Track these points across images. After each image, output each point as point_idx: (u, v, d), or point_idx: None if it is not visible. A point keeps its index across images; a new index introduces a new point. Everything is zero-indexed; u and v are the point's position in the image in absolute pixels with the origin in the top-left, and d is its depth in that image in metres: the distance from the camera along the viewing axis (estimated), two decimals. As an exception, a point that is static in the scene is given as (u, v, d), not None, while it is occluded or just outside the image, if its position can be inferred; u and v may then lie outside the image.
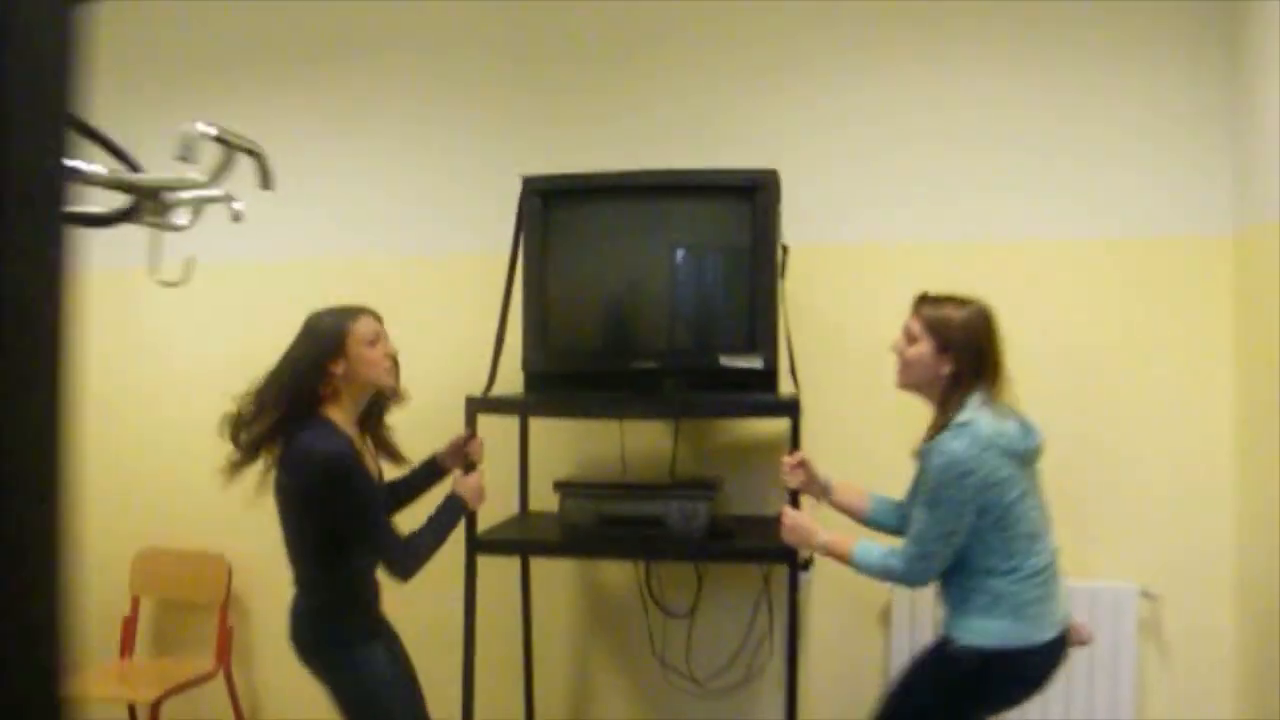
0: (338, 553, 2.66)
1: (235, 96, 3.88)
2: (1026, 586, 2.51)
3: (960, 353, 2.52)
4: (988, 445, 2.45)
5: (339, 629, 2.71)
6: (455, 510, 2.86)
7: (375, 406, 2.82)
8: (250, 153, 1.78)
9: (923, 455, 2.56)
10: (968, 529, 2.48)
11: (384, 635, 2.81)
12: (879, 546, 2.63)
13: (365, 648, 2.71)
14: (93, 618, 3.88)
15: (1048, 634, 2.54)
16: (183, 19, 3.99)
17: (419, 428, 3.01)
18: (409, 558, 2.68)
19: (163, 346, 4.04)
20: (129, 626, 3.91)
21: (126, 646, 3.90)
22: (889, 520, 2.88)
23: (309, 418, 2.61)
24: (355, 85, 3.88)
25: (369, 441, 2.84)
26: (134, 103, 3.72)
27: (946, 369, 2.54)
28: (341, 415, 2.67)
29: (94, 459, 3.93)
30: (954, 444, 2.45)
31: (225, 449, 2.63)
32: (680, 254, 3.19)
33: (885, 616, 3.43)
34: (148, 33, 3.97)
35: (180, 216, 2.03)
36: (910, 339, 2.60)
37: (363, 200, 3.88)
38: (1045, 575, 2.54)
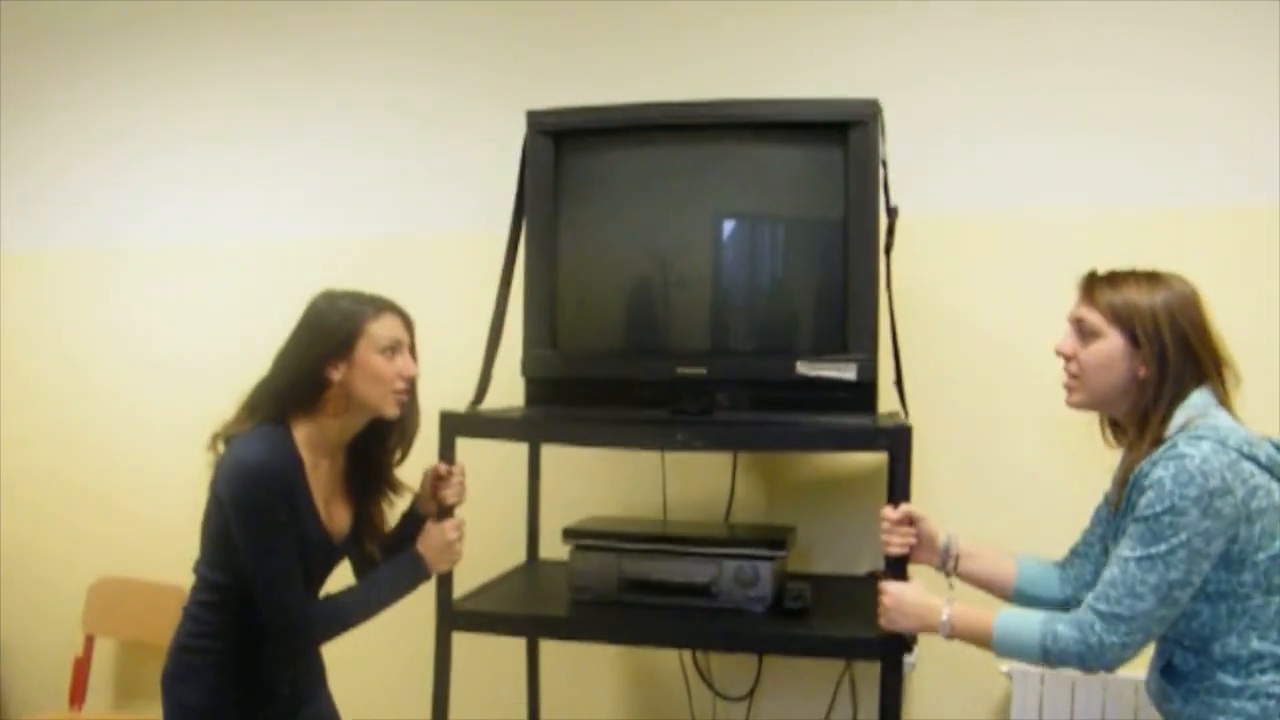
0: (236, 592, 2.05)
1: (181, 48, 3.40)
2: None
3: (1164, 348, 1.82)
4: (1243, 455, 1.74)
5: (195, 681, 2.07)
6: (408, 571, 2.14)
7: (379, 437, 2.16)
8: None
9: (1137, 477, 1.79)
10: (1202, 584, 1.74)
11: None
12: (1032, 614, 1.88)
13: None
14: (39, 660, 3.52)
15: None
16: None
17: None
18: (311, 623, 2.04)
19: (117, 342, 3.48)
20: (81, 670, 3.38)
21: (78, 694, 3.37)
22: (1048, 589, 2.08)
23: (267, 423, 2.03)
24: (324, 26, 3.27)
25: (350, 481, 2.17)
26: (87, 52, 3.45)
27: (1144, 372, 1.84)
28: (314, 432, 2.05)
29: (42, 474, 3.65)
30: (1193, 451, 1.72)
31: (195, 461, 2.10)
32: (743, 217, 2.34)
33: (1003, 708, 2.68)
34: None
35: None
36: (1087, 334, 1.88)
37: (334, 168, 3.26)
38: None
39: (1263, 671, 1.72)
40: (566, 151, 2.32)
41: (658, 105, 2.32)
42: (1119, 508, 1.86)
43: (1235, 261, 2.51)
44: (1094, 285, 1.89)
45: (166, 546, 3.13)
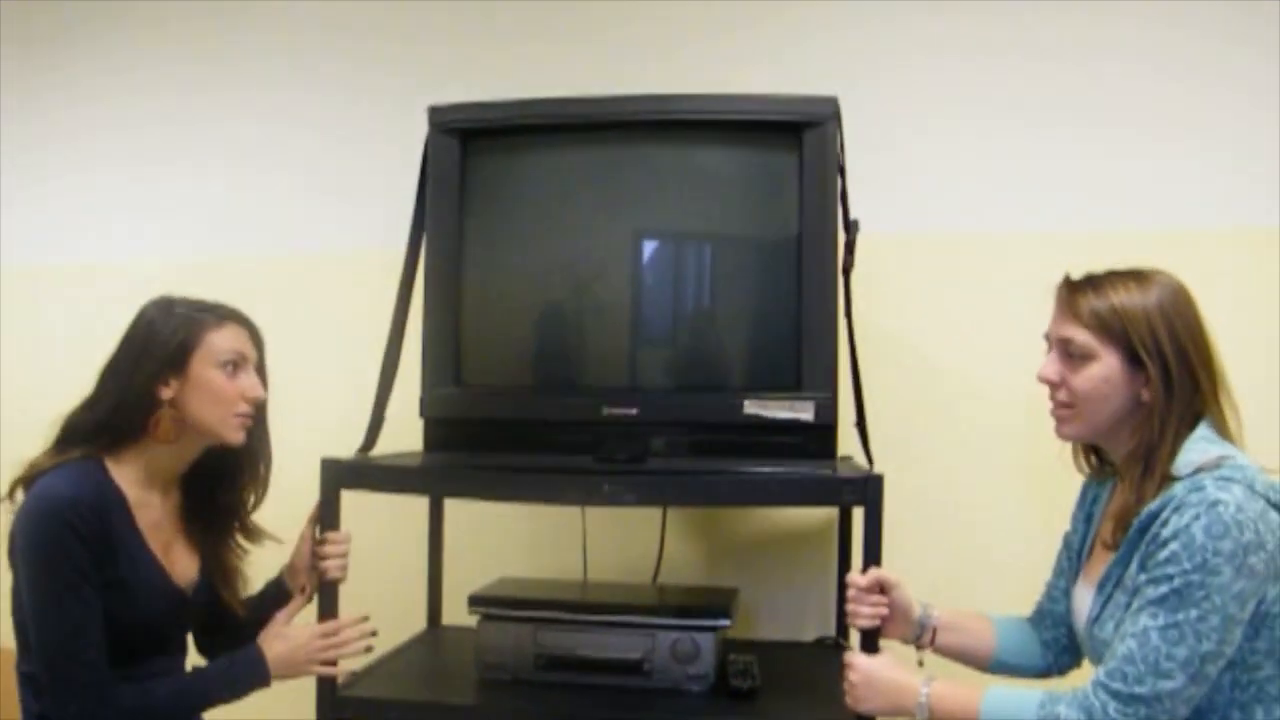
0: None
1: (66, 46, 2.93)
2: None
3: (1165, 362, 1.51)
4: (1270, 503, 1.43)
5: None
6: (246, 671, 1.75)
7: (227, 474, 1.79)
8: None
9: (1148, 519, 1.47)
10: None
11: None
12: (1027, 694, 1.51)
13: None
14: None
15: None
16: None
17: (274, 513, 1.87)
18: (110, 709, 1.61)
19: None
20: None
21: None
22: (1029, 658, 1.80)
23: (81, 458, 1.66)
24: (200, 31, 2.84)
25: (190, 522, 1.79)
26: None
27: (1147, 395, 1.52)
28: (142, 463, 1.70)
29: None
30: (1225, 496, 1.40)
31: None
32: (681, 232, 1.93)
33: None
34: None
35: None
36: (1077, 356, 1.57)
37: (207, 182, 2.81)
38: None
39: None
40: (475, 153, 1.90)
41: (583, 100, 1.91)
42: (1114, 547, 1.52)
43: (1216, 282, 2.24)
44: (1075, 294, 1.57)
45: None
